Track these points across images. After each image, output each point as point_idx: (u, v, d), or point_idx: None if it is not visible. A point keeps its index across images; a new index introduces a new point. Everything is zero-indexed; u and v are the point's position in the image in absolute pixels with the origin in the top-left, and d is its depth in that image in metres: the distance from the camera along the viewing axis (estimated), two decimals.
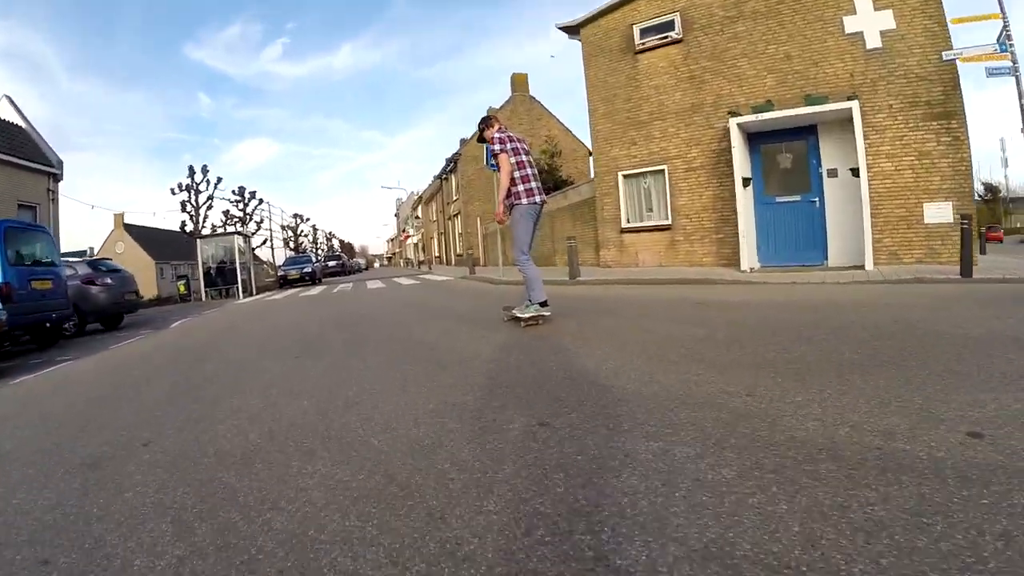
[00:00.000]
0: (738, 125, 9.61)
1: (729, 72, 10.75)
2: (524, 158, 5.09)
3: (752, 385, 2.53)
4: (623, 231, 12.13)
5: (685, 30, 11.28)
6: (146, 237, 38.38)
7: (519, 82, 31.75)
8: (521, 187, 5.02)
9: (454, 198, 31.06)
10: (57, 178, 15.62)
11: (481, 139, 5.55)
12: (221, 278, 17.89)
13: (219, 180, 24.16)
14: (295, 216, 41.21)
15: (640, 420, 2.18)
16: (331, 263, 37.59)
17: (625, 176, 12.13)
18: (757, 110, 9.80)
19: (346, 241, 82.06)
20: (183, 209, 23.37)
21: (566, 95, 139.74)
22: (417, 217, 49.72)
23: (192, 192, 23.55)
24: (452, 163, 30.19)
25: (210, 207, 22.95)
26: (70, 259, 10.00)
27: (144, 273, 34.55)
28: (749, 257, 9.49)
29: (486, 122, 5.47)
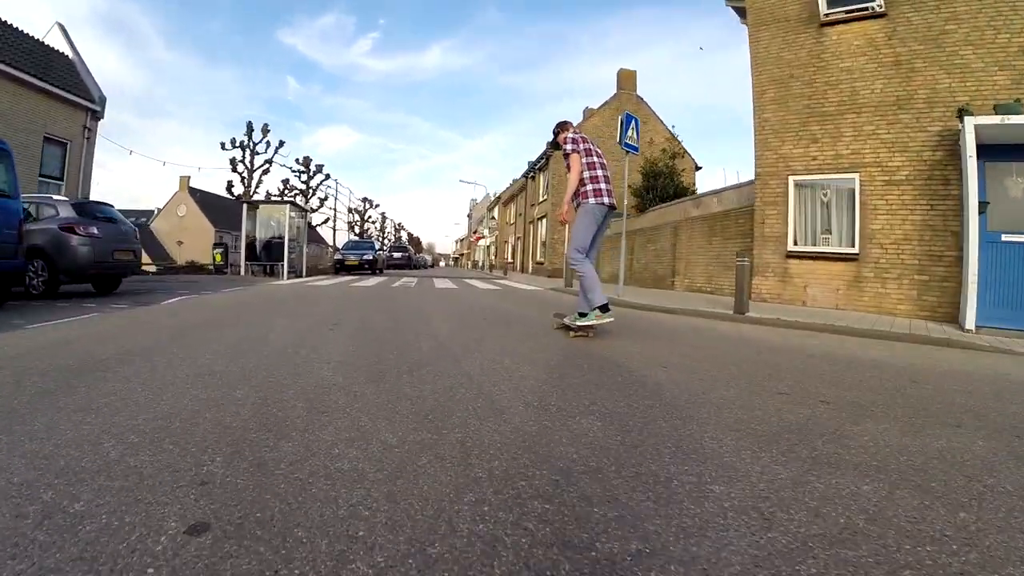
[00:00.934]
0: (976, 128, 6.61)
1: (948, 61, 8.20)
2: (596, 159, 4.95)
3: None
4: (789, 255, 9.09)
5: (889, 3, 8.68)
6: (210, 203, 37.87)
7: (626, 79, 28.85)
8: (590, 186, 4.88)
9: (541, 199, 28.41)
10: (97, 115, 14.01)
11: (555, 145, 5.32)
12: (266, 252, 15.86)
13: (281, 144, 22.50)
14: (364, 200, 39.83)
15: None
16: (396, 254, 35.77)
17: (799, 183, 9.14)
18: (1003, 111, 6.73)
19: (414, 235, 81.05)
20: (233, 168, 20.98)
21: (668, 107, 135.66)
22: (493, 218, 47.41)
23: (248, 152, 21.43)
24: (543, 159, 27.50)
25: (266, 171, 21.24)
26: (56, 198, 7.81)
27: (203, 239, 33.78)
28: (973, 312, 6.43)
29: (561, 126, 5.35)
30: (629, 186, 17.81)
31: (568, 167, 4.87)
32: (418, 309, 7.07)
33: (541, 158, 27.95)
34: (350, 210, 37.41)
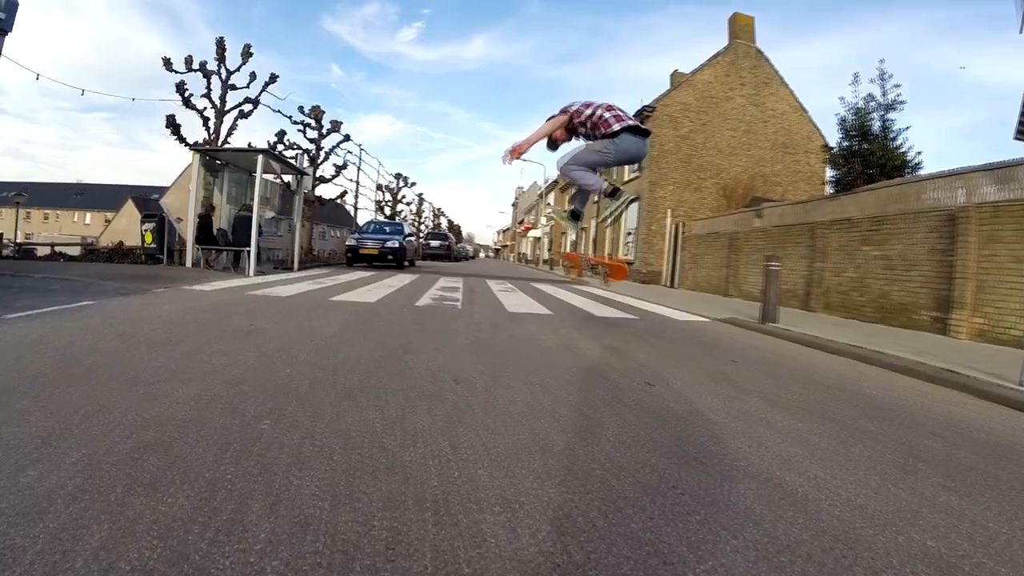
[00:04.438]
0: None
1: None
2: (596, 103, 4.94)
3: None
4: None
5: None
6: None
7: (743, 26, 22.71)
8: (609, 116, 4.76)
9: (627, 178, 22.49)
10: (3, 30, 9.14)
11: (552, 145, 5.13)
12: (228, 234, 10.54)
13: (273, 78, 16.35)
14: (397, 176, 34.28)
15: None
16: (434, 242, 31.63)
17: None
18: None
19: (455, 223, 75.96)
20: (184, 100, 14.28)
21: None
22: (549, 205, 41.73)
23: (219, 80, 15.02)
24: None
25: (245, 114, 15.46)
26: None
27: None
28: None
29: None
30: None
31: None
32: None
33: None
34: (379, 187, 32.32)
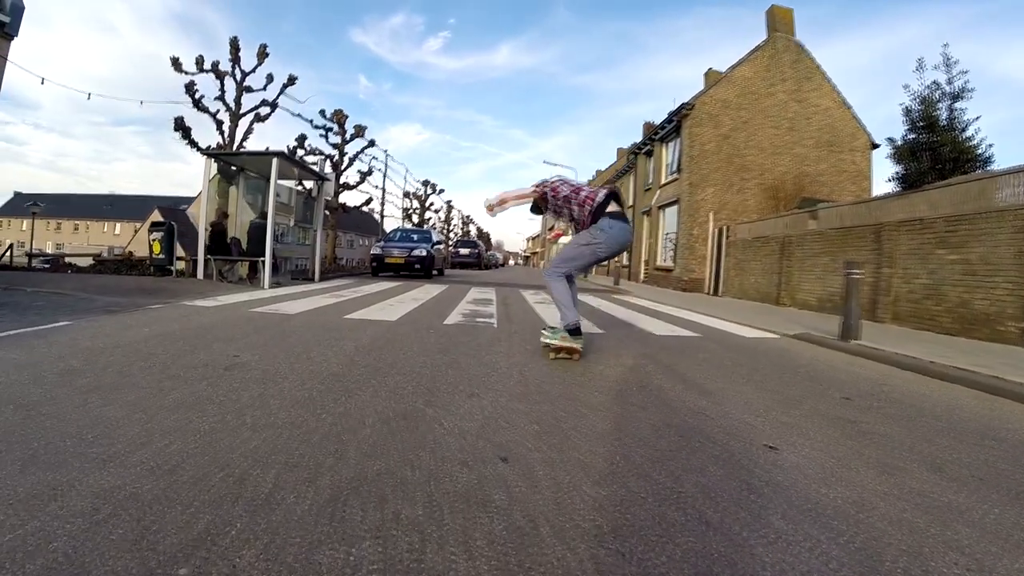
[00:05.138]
0: None
1: None
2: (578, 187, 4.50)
3: None
4: None
5: None
6: (253, 183, 32.87)
7: (781, 19, 21.45)
8: (578, 200, 4.36)
9: (665, 180, 21.36)
10: (8, 34, 8.68)
11: (536, 208, 4.78)
12: (248, 242, 9.77)
13: (292, 80, 15.31)
14: (425, 183, 33.44)
15: None
16: (463, 250, 31.10)
17: None
18: None
19: (484, 230, 75.05)
20: (194, 102, 13.35)
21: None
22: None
23: (234, 82, 14.11)
24: (672, 122, 20.42)
25: (261, 117, 14.59)
26: None
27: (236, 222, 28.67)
28: None
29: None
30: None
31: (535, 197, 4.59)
32: None
33: (668, 121, 20.89)
34: (406, 194, 31.55)
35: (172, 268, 9.96)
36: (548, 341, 4.24)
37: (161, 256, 9.88)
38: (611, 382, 3.38)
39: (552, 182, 4.55)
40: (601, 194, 4.34)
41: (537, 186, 4.56)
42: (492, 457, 1.96)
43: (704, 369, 4.04)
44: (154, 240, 9.87)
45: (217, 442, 1.96)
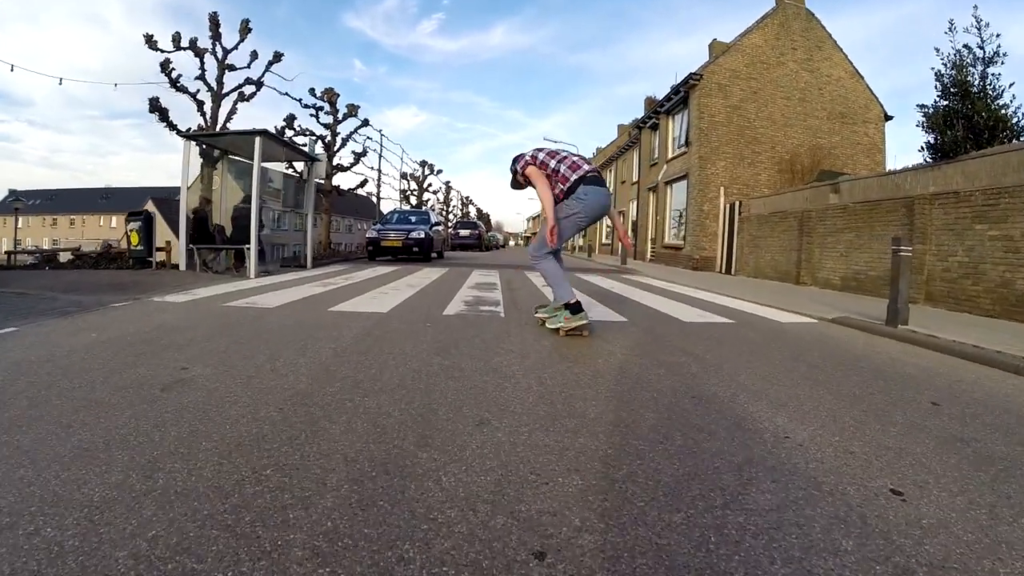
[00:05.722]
0: None
1: None
2: (563, 154, 4.49)
3: None
4: None
5: None
6: (245, 170, 32.06)
7: None
8: (564, 170, 4.34)
9: (674, 153, 20.48)
10: None
11: (516, 184, 4.74)
12: (233, 229, 9.09)
13: (278, 57, 14.24)
14: (422, 164, 32.46)
15: None
16: (464, 231, 31.22)
17: None
18: None
19: (484, 211, 73.96)
20: (171, 81, 12.35)
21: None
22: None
23: (214, 59, 13.02)
24: (679, 92, 19.49)
25: (244, 97, 13.56)
26: None
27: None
28: None
29: (516, 162, 4.60)
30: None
31: (528, 184, 4.56)
32: None
33: (675, 92, 19.97)
34: (404, 176, 30.60)
35: (152, 260, 9.24)
36: (554, 326, 4.25)
37: (140, 248, 9.14)
38: (656, 393, 2.70)
39: (528, 157, 4.48)
40: (574, 177, 4.28)
41: (522, 170, 4.46)
42: (520, 553, 1.26)
43: (756, 367, 3.36)
44: (131, 231, 9.13)
45: (102, 528, 1.28)
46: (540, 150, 4.55)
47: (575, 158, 4.46)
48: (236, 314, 4.64)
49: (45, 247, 43.40)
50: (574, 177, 4.28)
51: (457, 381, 2.73)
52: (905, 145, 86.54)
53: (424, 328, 4.24)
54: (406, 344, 3.59)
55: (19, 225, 68.92)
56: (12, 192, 67.87)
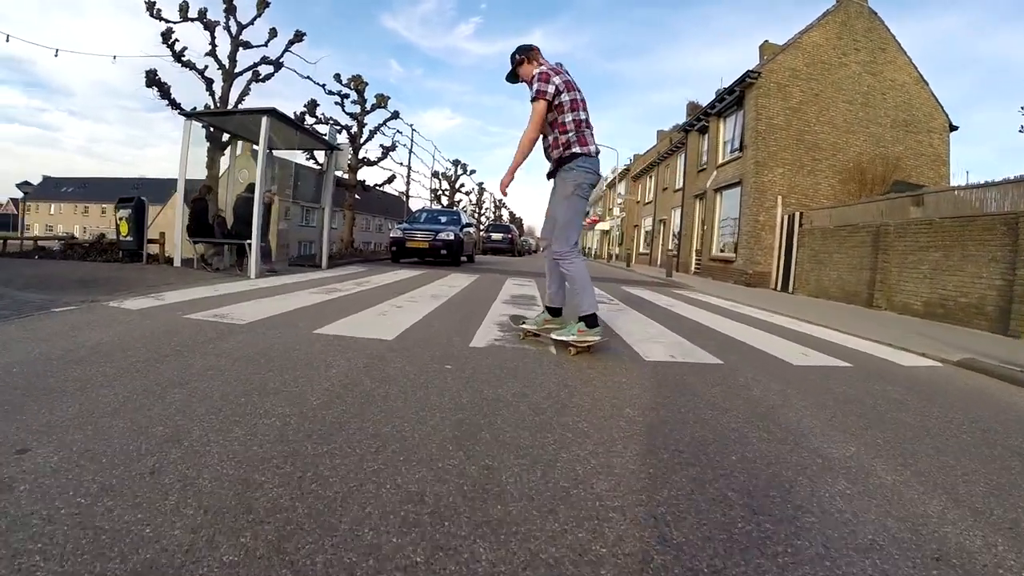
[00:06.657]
0: None
1: None
2: (580, 97, 3.69)
3: None
4: None
5: None
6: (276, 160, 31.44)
7: None
8: (576, 134, 3.63)
9: (723, 159, 18.94)
10: None
11: (513, 76, 3.92)
12: (228, 224, 8.02)
13: (300, 36, 12.90)
14: (455, 163, 31.41)
15: None
16: (496, 235, 29.91)
17: None
18: None
19: (516, 215, 72.67)
20: (175, 54, 11.21)
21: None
22: (620, 195, 38.24)
23: (223, 32, 11.77)
24: (733, 93, 17.96)
25: (258, 77, 12.32)
26: None
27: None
28: None
29: (525, 52, 3.84)
30: None
31: (530, 120, 3.61)
32: None
33: (728, 92, 18.43)
34: (435, 174, 29.56)
35: (143, 252, 8.12)
36: (564, 338, 3.62)
37: (129, 238, 8.03)
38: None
39: (544, 85, 3.57)
40: (593, 148, 3.69)
41: (539, 100, 3.56)
42: None
43: (943, 455, 2.00)
44: (121, 219, 8.02)
45: None
46: (557, 73, 3.66)
47: (583, 106, 3.71)
48: (191, 333, 3.40)
49: (76, 235, 43.39)
50: (593, 148, 3.70)
51: (493, 529, 1.38)
52: (967, 161, 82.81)
53: (440, 374, 2.88)
54: (408, 412, 2.24)
55: (52, 212, 70.14)
56: (46, 179, 68.97)
